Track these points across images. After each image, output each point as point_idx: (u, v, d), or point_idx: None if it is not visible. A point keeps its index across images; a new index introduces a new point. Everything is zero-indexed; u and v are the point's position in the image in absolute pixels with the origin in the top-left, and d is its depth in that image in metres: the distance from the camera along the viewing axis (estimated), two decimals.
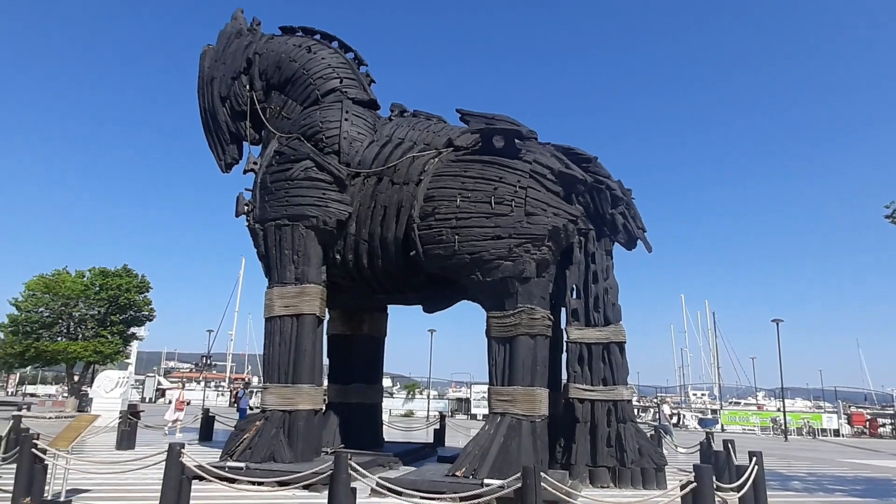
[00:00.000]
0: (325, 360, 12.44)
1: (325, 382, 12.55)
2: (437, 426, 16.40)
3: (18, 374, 60.44)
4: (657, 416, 24.35)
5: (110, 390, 19.94)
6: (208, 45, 14.32)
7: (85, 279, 25.63)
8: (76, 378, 25.46)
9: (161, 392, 49.80)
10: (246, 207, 11.67)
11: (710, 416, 42.63)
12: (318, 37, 13.74)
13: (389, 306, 13.59)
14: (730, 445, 10.27)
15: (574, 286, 10.92)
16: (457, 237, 9.98)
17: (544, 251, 9.88)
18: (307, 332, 10.66)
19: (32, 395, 51.14)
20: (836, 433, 32.21)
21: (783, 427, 30.34)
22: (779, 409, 34.35)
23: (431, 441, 15.52)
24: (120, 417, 13.29)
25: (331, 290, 11.68)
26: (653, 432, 15.40)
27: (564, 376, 10.99)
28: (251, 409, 22.14)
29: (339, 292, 12.14)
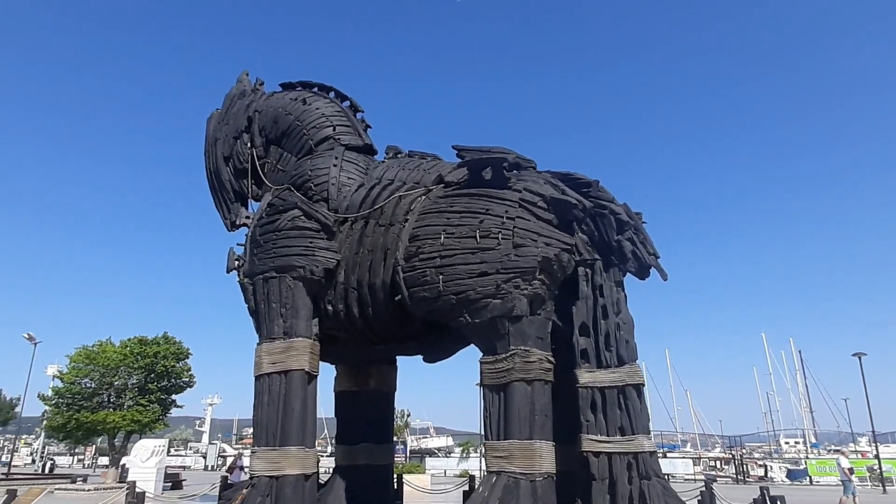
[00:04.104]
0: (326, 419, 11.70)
1: (333, 443, 11.75)
2: (466, 488, 15.12)
3: (95, 446, 62.79)
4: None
5: (146, 459, 19.80)
6: (216, 110, 14.59)
7: (127, 349, 26.26)
8: (117, 448, 25.75)
9: (224, 459, 50.15)
10: (236, 262, 11.39)
11: (800, 467, 38.57)
12: (315, 89, 13.73)
13: (416, 358, 12.82)
14: (779, 502, 8.65)
15: (582, 323, 9.80)
16: (441, 277, 9.21)
17: (536, 285, 8.93)
18: (295, 389, 10.01)
19: (106, 466, 52.61)
20: None
21: (880, 476, 26.67)
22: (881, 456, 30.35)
23: None
24: (127, 489, 12.87)
25: (331, 343, 11.11)
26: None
27: None
28: None
29: (340, 345, 11.51)
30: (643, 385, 9.28)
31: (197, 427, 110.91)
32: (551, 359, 9.09)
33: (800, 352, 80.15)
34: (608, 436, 9.04)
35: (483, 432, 8.96)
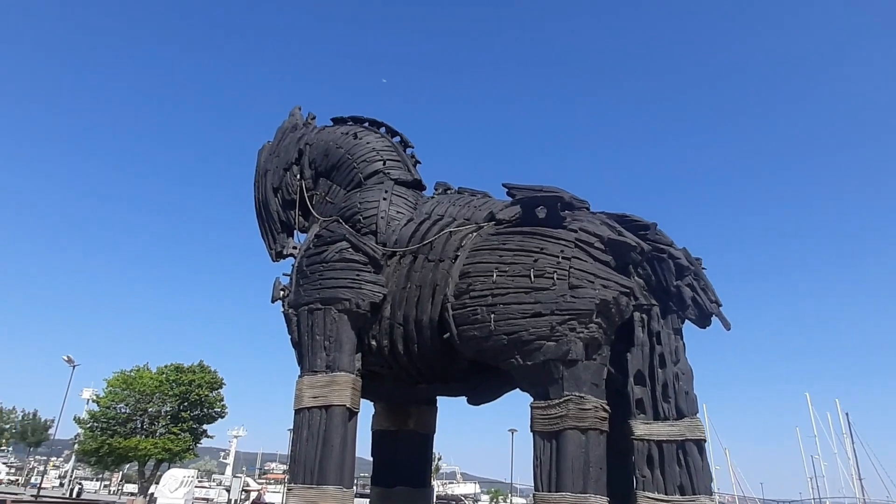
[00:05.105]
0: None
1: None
2: None
3: (122, 472, 62.84)
4: None
5: (174, 490, 19.51)
6: (268, 142, 14.83)
7: (163, 375, 26.34)
8: (146, 476, 25.54)
9: (247, 494, 49.58)
10: (282, 293, 11.31)
11: None
12: (366, 124, 13.85)
13: (457, 399, 12.40)
14: None
15: (637, 371, 9.31)
16: (493, 316, 8.91)
17: (593, 329, 8.54)
18: (336, 425, 9.72)
19: (132, 493, 52.35)
20: None
21: None
22: None
23: None
24: None
25: (373, 380, 10.84)
26: None
27: None
28: None
29: (381, 383, 11.22)
30: (705, 441, 8.70)
31: (221, 459, 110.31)
32: (607, 407, 8.62)
33: (847, 414, 75.96)
34: (667, 494, 8.43)
35: (533, 482, 8.47)
